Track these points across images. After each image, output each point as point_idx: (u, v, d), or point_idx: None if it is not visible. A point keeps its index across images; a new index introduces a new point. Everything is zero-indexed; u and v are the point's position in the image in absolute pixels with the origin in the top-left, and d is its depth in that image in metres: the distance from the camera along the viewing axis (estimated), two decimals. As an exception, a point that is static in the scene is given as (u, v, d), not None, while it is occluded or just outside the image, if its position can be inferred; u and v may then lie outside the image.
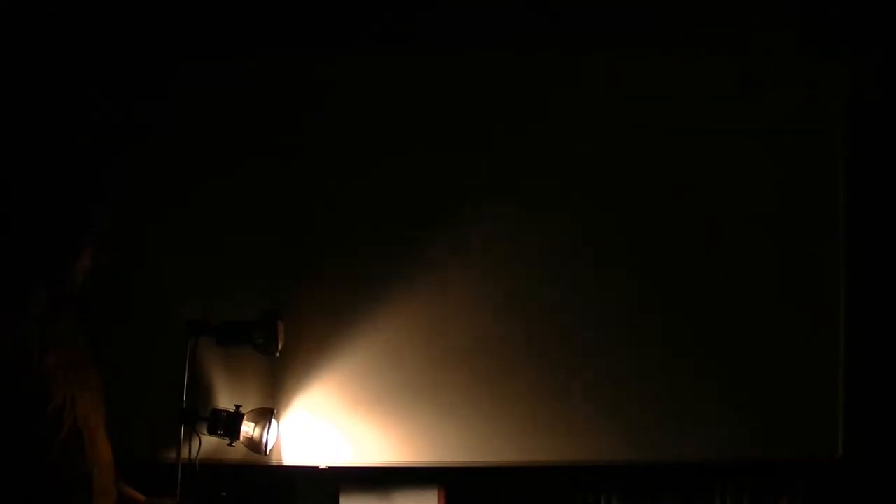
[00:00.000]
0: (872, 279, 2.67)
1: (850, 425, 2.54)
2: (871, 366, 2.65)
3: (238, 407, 2.35)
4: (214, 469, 2.32)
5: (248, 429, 2.34)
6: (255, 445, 2.34)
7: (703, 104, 2.58)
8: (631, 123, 2.56)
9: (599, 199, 2.55)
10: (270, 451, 2.37)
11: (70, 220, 1.92)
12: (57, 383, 1.89)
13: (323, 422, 2.48)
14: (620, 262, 2.55)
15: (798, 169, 2.57)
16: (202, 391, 2.41)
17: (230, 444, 2.33)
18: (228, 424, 2.32)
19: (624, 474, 2.68)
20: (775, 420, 2.54)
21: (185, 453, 2.23)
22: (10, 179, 1.94)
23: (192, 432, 2.27)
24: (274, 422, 2.36)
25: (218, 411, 2.35)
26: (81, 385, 1.96)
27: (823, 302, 2.56)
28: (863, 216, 2.64)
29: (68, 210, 1.93)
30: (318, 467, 2.34)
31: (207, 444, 2.32)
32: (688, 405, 2.54)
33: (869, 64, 2.67)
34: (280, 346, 2.28)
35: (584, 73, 2.58)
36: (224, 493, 2.27)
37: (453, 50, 2.61)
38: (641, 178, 2.55)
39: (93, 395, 2.01)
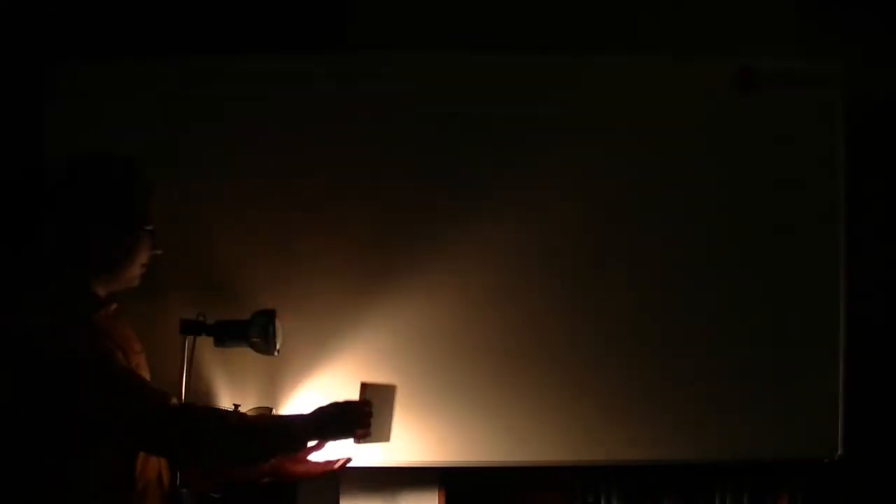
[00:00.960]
0: (873, 279, 2.68)
1: (850, 425, 2.53)
2: (871, 366, 2.65)
3: (237, 406, 2.35)
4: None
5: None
6: (255, 445, 2.33)
7: (702, 104, 2.57)
8: (630, 123, 2.55)
9: (596, 201, 2.54)
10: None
11: (130, 218, 1.99)
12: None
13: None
14: (619, 264, 2.54)
15: (798, 169, 2.57)
16: (201, 390, 2.40)
17: (229, 443, 2.32)
18: (228, 424, 2.32)
19: (624, 474, 2.69)
20: (775, 420, 2.53)
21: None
22: (69, 181, 2.00)
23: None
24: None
25: (217, 410, 2.35)
26: (144, 377, 2.04)
27: (823, 301, 2.55)
28: (863, 216, 2.64)
29: (128, 208, 2.00)
30: (317, 467, 2.33)
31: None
32: (688, 405, 2.53)
33: (869, 64, 2.67)
34: (279, 346, 2.27)
35: (583, 73, 2.57)
36: (216, 495, 2.26)
37: (452, 49, 2.61)
38: (641, 178, 2.55)
39: None
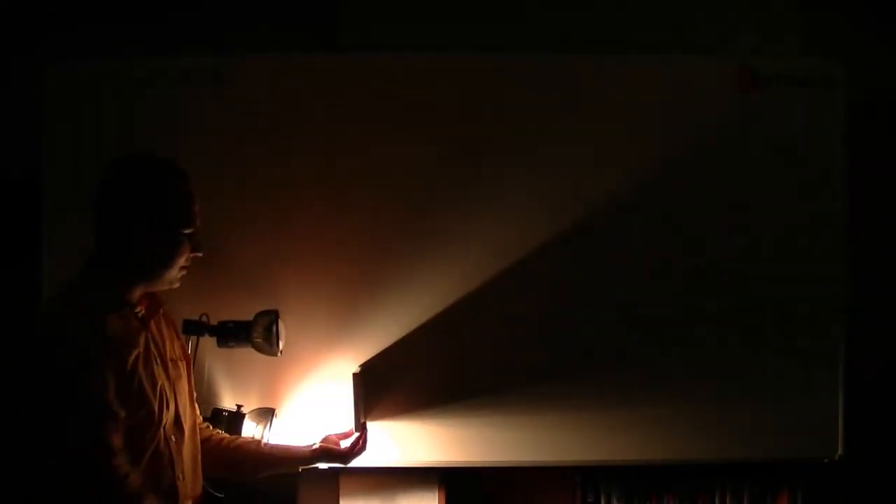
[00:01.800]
0: (873, 279, 2.68)
1: (850, 425, 2.54)
2: (871, 366, 2.66)
3: (239, 407, 2.35)
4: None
5: (249, 428, 2.34)
6: (256, 445, 2.33)
7: (703, 104, 2.56)
8: (630, 123, 2.54)
9: (596, 200, 2.53)
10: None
11: (168, 221, 1.98)
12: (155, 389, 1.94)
13: (323, 422, 2.47)
14: (620, 264, 2.54)
15: (798, 168, 2.56)
16: (203, 390, 2.40)
17: (231, 445, 2.32)
18: (230, 424, 2.32)
19: (624, 474, 2.69)
20: (775, 420, 2.54)
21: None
22: (109, 183, 1.98)
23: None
24: (275, 421, 2.36)
25: (219, 411, 2.35)
26: (178, 384, 2.03)
27: (824, 302, 2.55)
28: (863, 216, 2.64)
29: (166, 211, 1.98)
30: (317, 467, 2.33)
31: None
32: (688, 405, 2.53)
33: (869, 64, 2.67)
34: (281, 346, 2.27)
35: (583, 72, 2.57)
36: (220, 495, 2.26)
37: (451, 49, 2.61)
38: (641, 178, 2.54)
39: (188, 394, 2.08)
